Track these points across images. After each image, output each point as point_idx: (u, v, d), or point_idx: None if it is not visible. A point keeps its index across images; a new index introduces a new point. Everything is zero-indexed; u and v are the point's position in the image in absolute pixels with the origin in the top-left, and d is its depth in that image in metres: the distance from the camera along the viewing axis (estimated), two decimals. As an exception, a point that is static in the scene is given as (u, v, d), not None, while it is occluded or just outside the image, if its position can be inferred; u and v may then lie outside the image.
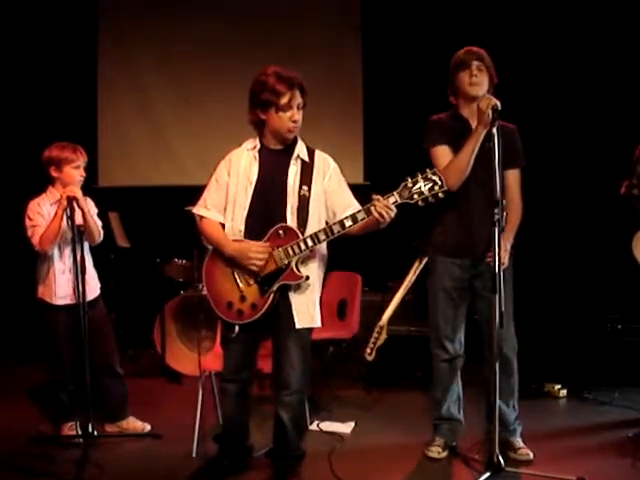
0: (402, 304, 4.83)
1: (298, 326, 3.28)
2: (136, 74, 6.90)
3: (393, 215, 3.07)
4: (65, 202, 3.84)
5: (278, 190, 3.28)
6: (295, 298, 3.28)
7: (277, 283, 3.23)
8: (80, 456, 3.63)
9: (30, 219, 3.99)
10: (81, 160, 4.04)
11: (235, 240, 3.29)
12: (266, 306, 3.23)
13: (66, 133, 4.38)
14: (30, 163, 4.42)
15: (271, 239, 3.24)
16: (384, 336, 4.36)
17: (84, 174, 4.06)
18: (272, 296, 3.23)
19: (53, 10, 6.52)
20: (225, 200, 3.34)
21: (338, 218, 3.22)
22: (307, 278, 3.24)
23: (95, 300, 4.14)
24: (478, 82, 3.53)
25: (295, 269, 3.22)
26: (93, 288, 4.13)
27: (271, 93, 3.20)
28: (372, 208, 3.08)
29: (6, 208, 5.06)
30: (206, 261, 3.40)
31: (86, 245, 4.02)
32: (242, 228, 3.29)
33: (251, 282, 3.27)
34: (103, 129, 6.91)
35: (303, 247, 3.18)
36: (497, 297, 3.23)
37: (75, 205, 3.84)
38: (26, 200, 4.06)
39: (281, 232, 3.22)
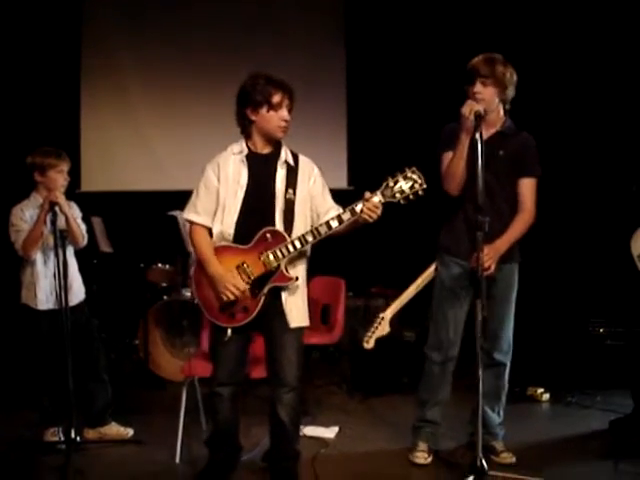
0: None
1: (293, 326, 3.33)
2: (119, 78, 6.86)
3: (380, 213, 3.14)
4: (47, 207, 3.84)
5: (267, 194, 3.32)
6: (287, 299, 3.32)
7: (267, 285, 3.27)
8: (62, 462, 3.60)
9: (13, 224, 3.99)
10: (65, 165, 4.05)
11: (224, 248, 3.29)
12: (257, 309, 3.27)
13: (49, 138, 4.37)
14: (13, 169, 4.39)
15: (258, 242, 3.26)
16: (386, 328, 4.31)
17: (68, 178, 4.07)
18: (263, 299, 3.27)
19: (36, 14, 6.48)
20: (215, 205, 3.35)
21: (322, 220, 3.27)
22: (296, 279, 3.29)
23: (79, 305, 4.13)
24: (479, 98, 3.46)
25: (285, 271, 3.26)
26: (77, 293, 4.13)
27: (264, 92, 3.25)
28: (361, 208, 3.13)
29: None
30: (194, 267, 3.42)
31: (70, 250, 4.03)
32: (232, 232, 3.31)
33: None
34: (86, 134, 6.86)
35: (291, 249, 3.23)
36: (478, 302, 3.25)
37: (58, 210, 3.84)
38: (9, 206, 4.05)
39: (268, 235, 3.26)
